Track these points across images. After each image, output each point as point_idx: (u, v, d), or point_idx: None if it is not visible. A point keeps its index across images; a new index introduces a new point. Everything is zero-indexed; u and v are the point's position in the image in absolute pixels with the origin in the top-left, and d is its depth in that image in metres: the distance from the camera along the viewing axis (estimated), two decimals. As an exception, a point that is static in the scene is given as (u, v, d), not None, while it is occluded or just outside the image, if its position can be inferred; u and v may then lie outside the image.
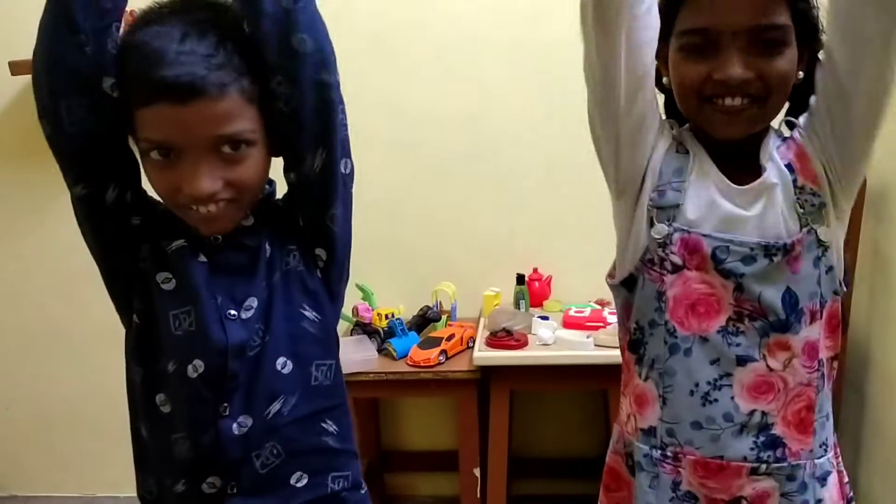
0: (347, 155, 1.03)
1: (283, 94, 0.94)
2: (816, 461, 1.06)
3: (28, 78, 2.39)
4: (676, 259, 1.03)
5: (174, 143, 0.91)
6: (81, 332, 2.67)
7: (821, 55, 1.00)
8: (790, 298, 1.01)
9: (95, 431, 2.74)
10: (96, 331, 2.61)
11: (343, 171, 1.02)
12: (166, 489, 1.04)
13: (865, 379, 2.10)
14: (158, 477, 1.05)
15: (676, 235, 1.03)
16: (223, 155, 0.93)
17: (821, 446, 1.06)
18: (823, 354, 1.05)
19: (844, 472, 1.12)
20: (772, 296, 1.01)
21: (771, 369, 1.03)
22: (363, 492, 1.13)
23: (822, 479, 1.06)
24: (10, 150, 2.56)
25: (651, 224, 1.05)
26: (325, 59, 0.95)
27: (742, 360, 1.02)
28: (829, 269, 1.04)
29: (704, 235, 1.02)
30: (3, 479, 2.89)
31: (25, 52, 2.51)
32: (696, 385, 1.04)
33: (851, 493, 1.14)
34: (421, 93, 2.45)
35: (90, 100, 0.91)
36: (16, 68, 2.29)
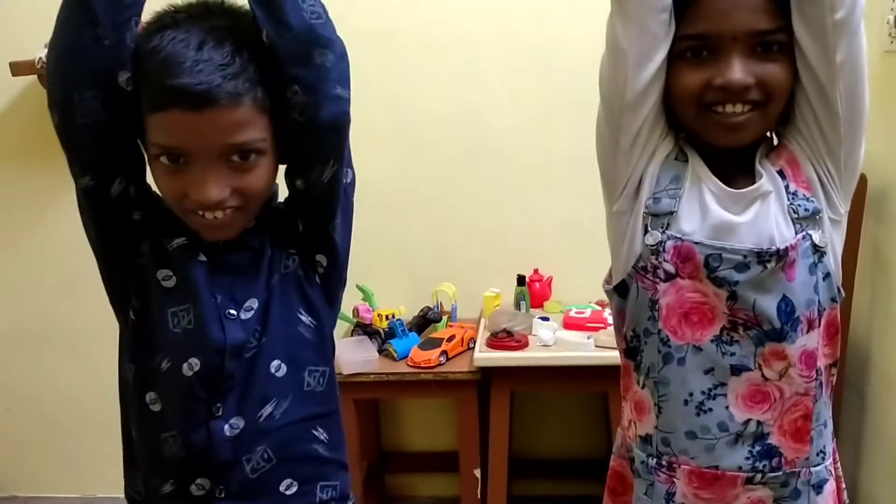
0: (349, 164, 1.03)
1: (298, 105, 0.94)
2: (813, 469, 1.05)
3: (28, 79, 2.41)
4: (669, 267, 1.02)
5: (185, 149, 0.92)
6: (82, 332, 2.67)
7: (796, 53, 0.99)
8: (786, 307, 1.00)
9: (96, 431, 2.73)
10: (97, 331, 2.59)
11: (345, 180, 1.03)
12: (153, 489, 1.04)
13: (866, 381, 2.09)
14: (146, 477, 1.05)
15: (669, 243, 1.02)
16: (232, 163, 0.94)
17: (818, 454, 1.05)
18: (822, 363, 1.04)
19: (842, 479, 1.12)
20: (766, 304, 0.99)
21: (766, 379, 1.01)
22: (350, 503, 1.13)
23: (819, 487, 1.05)
24: (11, 150, 2.56)
25: (645, 231, 1.04)
26: (342, 73, 0.96)
27: (736, 370, 1.01)
28: (826, 275, 1.02)
29: (696, 243, 1.01)
30: (3, 479, 2.89)
31: (26, 52, 2.51)
32: (691, 394, 1.03)
33: (847, 501, 1.14)
34: (422, 94, 2.45)
35: (104, 93, 0.91)
36: (17, 69, 2.29)
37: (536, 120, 2.44)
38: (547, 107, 2.42)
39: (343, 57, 0.96)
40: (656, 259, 1.03)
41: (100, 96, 0.91)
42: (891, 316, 1.97)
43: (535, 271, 2.50)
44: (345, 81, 0.97)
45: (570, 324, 2.29)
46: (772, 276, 0.99)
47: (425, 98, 2.46)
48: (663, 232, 1.02)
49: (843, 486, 1.12)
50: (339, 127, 0.97)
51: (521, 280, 2.43)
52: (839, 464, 1.12)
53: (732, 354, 1.01)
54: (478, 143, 2.47)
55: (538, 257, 2.51)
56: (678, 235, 1.02)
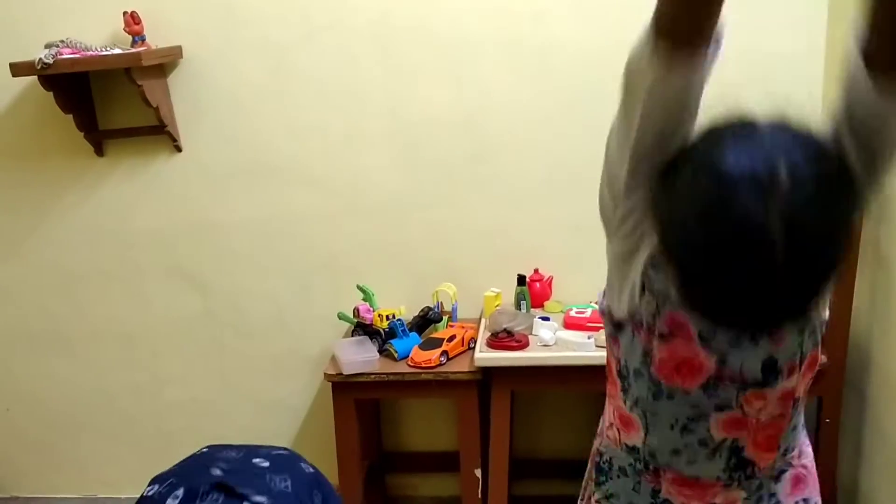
0: None
1: None
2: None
3: (28, 79, 2.40)
4: (664, 329, 1.04)
5: None
6: (81, 333, 2.66)
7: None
8: (770, 363, 1.04)
9: (96, 432, 2.74)
10: (96, 331, 2.62)
11: None
12: None
13: (866, 380, 2.09)
14: None
15: (665, 309, 1.02)
16: None
17: (782, 454, 1.14)
18: (800, 393, 1.10)
19: (810, 466, 1.20)
20: (752, 366, 1.04)
21: (746, 414, 1.08)
22: None
23: (777, 478, 1.16)
24: (11, 150, 2.56)
25: (643, 291, 1.02)
26: None
27: (719, 408, 1.07)
28: (812, 331, 1.06)
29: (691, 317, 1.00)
30: (3, 480, 2.90)
31: (26, 53, 2.49)
32: (677, 420, 1.09)
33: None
34: (422, 95, 2.45)
35: None
36: (17, 69, 2.28)
37: (536, 120, 2.44)
38: (547, 107, 2.42)
39: None
40: (652, 320, 1.03)
41: None
42: (891, 315, 1.97)
43: (536, 271, 2.50)
44: None
45: (570, 324, 2.29)
46: (761, 345, 1.03)
47: (426, 100, 2.45)
48: (660, 303, 1.02)
49: (811, 467, 1.21)
50: None
51: (521, 280, 2.43)
52: (801, 457, 1.18)
53: (717, 397, 1.06)
54: (478, 143, 2.47)
55: (538, 257, 2.51)
56: (674, 307, 1.00)
